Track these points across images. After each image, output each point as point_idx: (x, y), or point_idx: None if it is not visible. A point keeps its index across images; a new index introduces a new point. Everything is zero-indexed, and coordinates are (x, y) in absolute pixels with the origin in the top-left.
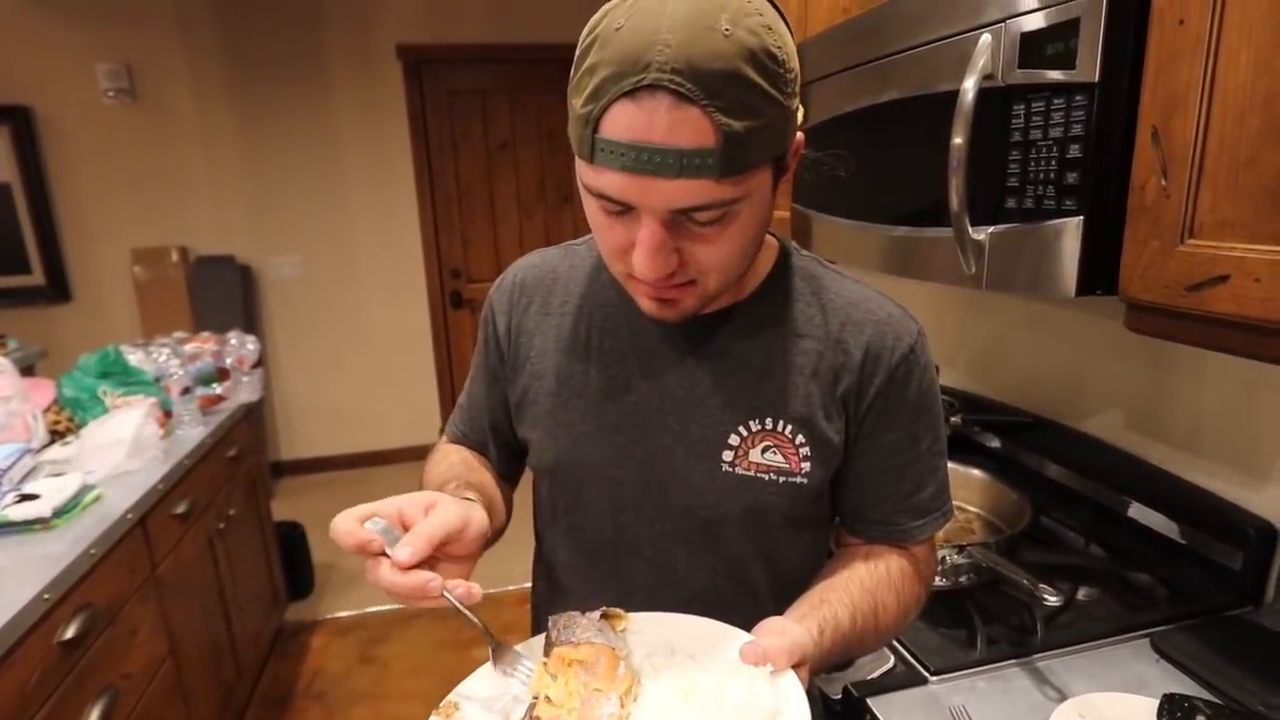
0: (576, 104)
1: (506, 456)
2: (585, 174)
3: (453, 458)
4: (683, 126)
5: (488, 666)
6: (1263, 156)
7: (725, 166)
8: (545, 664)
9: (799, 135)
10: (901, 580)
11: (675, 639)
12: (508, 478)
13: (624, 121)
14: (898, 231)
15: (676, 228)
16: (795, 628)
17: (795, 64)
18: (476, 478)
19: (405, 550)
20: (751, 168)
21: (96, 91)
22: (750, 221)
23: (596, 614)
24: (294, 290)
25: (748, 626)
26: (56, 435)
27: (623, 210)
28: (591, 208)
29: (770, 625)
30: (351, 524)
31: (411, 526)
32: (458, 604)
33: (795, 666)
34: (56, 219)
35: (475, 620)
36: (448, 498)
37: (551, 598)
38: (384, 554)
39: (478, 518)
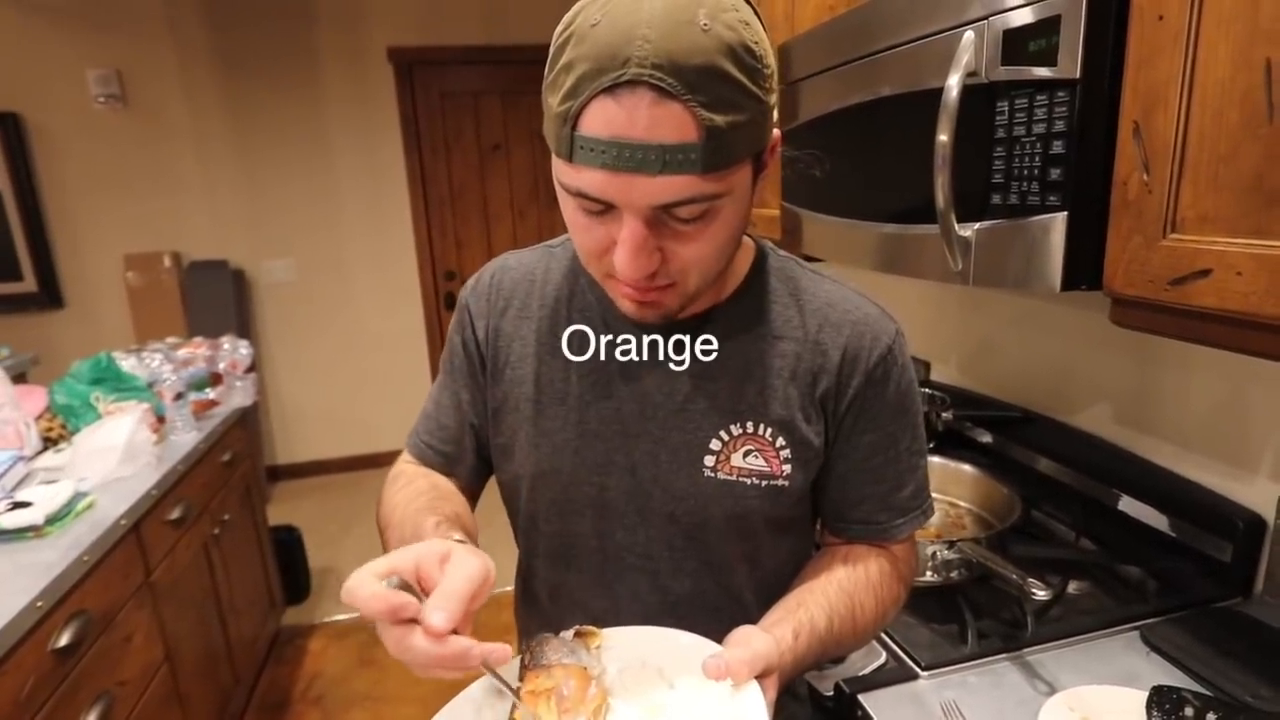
0: (553, 102)
1: (477, 465)
2: (564, 173)
3: (419, 484)
4: (664, 122)
5: (471, 689)
6: (1242, 151)
7: (708, 162)
8: (517, 706)
9: (776, 132)
10: (880, 580)
11: (648, 653)
12: (473, 492)
13: (604, 118)
14: (887, 229)
15: (658, 226)
16: (760, 638)
17: (772, 60)
18: (451, 509)
19: (440, 615)
20: (733, 163)
21: (87, 97)
22: (731, 218)
23: (570, 633)
24: (288, 294)
25: (732, 630)
26: (49, 442)
27: (603, 209)
28: (569, 208)
29: (736, 636)
30: (373, 584)
31: (429, 582)
32: (495, 673)
33: (761, 676)
34: (48, 225)
35: (510, 689)
36: (461, 547)
37: (533, 607)
38: (413, 620)
39: (492, 566)
